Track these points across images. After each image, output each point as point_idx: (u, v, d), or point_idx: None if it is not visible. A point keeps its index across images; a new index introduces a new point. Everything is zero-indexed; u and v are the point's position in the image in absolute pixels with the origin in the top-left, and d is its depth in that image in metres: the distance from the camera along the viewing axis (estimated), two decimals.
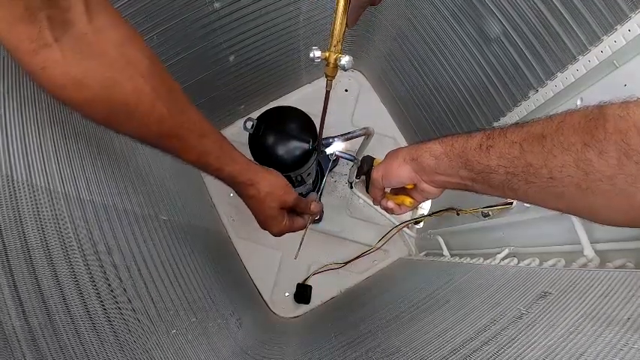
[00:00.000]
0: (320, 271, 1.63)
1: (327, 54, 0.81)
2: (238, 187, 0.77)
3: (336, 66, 0.82)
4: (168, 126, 0.60)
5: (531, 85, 0.94)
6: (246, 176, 0.75)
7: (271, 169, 0.82)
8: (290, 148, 1.10)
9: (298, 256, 1.55)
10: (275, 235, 0.86)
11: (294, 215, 0.89)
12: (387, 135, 1.75)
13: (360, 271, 1.65)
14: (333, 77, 0.85)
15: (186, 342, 0.82)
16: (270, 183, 0.79)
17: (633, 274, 0.52)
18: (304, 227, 0.92)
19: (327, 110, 0.92)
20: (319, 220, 1.67)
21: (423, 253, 1.52)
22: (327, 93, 0.89)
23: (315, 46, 0.80)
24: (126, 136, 0.61)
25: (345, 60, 0.80)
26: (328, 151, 0.97)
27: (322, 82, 1.82)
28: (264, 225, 0.84)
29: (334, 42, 0.79)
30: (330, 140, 1.13)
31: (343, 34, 0.79)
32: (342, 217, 1.70)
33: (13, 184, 0.55)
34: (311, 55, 0.81)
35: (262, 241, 1.66)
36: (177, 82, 0.62)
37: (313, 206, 0.91)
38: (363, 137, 1.27)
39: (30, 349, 0.48)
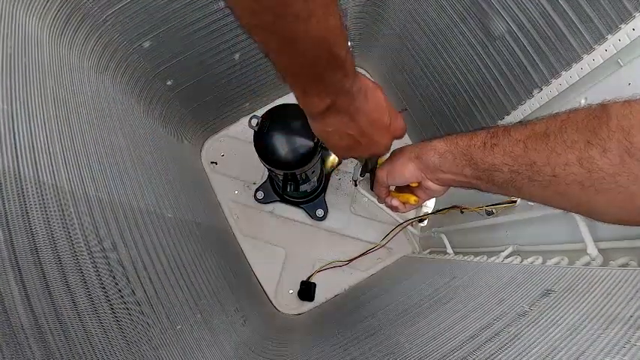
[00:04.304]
0: (324, 268, 1.63)
1: None
2: (353, 83, 0.58)
3: None
4: None
5: (536, 83, 0.94)
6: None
7: None
8: (295, 145, 1.10)
9: (302, 253, 1.56)
10: (404, 131, 0.73)
11: None
12: None
13: (364, 269, 1.65)
14: None
15: (191, 338, 0.82)
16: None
17: (636, 272, 0.52)
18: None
19: None
20: (324, 217, 1.67)
21: (427, 251, 1.52)
22: None
23: None
24: None
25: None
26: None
27: None
28: (390, 119, 0.68)
29: None
30: None
31: None
32: (346, 215, 1.70)
33: (21, 180, 0.55)
34: None
35: (266, 238, 1.66)
36: None
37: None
38: None
39: (38, 344, 0.48)
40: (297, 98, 0.58)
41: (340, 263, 1.64)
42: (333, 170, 1.68)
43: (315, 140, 1.10)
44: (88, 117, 0.83)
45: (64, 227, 0.60)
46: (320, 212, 1.67)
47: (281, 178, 1.29)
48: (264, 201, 1.68)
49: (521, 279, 0.70)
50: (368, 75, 1.82)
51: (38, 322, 0.50)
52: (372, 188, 0.84)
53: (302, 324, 1.46)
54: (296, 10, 0.40)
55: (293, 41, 0.45)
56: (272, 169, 1.16)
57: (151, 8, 1.02)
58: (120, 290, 0.68)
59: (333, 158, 1.06)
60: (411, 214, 1.59)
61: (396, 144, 0.77)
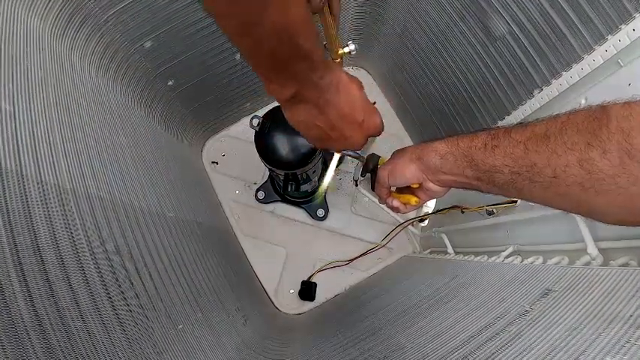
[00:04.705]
0: (325, 268, 1.63)
1: (335, 58, 0.81)
2: (324, 77, 0.59)
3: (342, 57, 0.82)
4: None
5: (536, 83, 0.95)
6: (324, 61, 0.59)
7: None
8: (296, 145, 1.11)
9: (303, 253, 1.55)
10: (380, 129, 0.73)
11: None
12: (392, 133, 1.76)
13: (365, 269, 1.66)
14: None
15: (192, 337, 0.82)
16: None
17: (636, 272, 0.52)
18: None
19: None
20: (324, 217, 1.67)
21: (428, 250, 1.52)
22: None
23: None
24: None
25: (351, 48, 0.80)
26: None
27: None
28: (364, 116, 0.69)
29: (334, 48, 0.79)
30: None
31: (337, 30, 0.77)
32: (347, 215, 1.71)
33: (23, 179, 0.56)
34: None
35: (267, 238, 1.67)
36: None
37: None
38: None
39: (40, 343, 0.49)
40: (263, 84, 0.59)
41: (341, 263, 1.64)
42: (326, 193, 1.69)
43: None
44: (90, 117, 0.84)
45: (66, 227, 0.60)
46: (321, 212, 1.67)
47: (282, 178, 1.29)
48: (265, 201, 1.68)
49: (521, 278, 0.70)
50: (369, 74, 1.83)
51: (40, 321, 0.50)
52: (372, 189, 0.84)
53: (303, 324, 1.46)
54: None
55: (249, 28, 0.46)
56: (273, 169, 1.16)
57: (153, 8, 1.02)
58: (120, 286, 0.68)
59: (325, 183, 1.08)
60: (412, 214, 1.59)
61: (396, 145, 0.77)
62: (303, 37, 0.50)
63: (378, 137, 1.00)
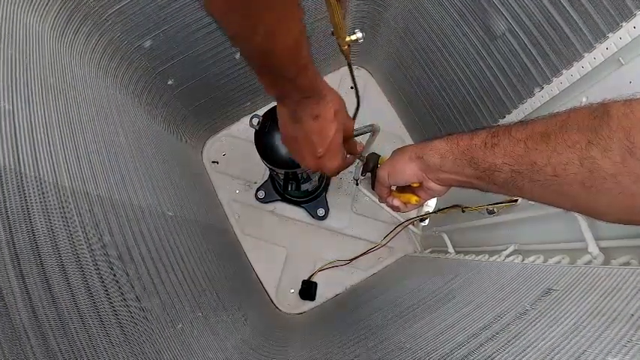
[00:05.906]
0: (325, 267, 1.63)
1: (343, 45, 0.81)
2: (307, 101, 0.65)
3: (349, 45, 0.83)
4: None
5: (537, 82, 0.94)
6: (320, 86, 0.65)
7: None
8: None
9: (303, 252, 1.55)
10: (332, 172, 0.79)
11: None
12: (393, 132, 1.75)
13: (365, 268, 1.65)
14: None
15: (191, 336, 0.82)
16: (337, 100, 0.70)
17: (638, 271, 0.52)
18: (349, 165, 0.85)
19: None
20: (325, 217, 1.67)
21: (428, 250, 1.52)
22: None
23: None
24: None
25: (358, 35, 0.81)
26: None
27: (327, 79, 1.82)
28: (324, 154, 0.74)
29: (342, 36, 0.79)
30: None
31: (344, 18, 0.78)
32: (347, 214, 1.71)
33: (21, 177, 0.55)
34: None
35: (267, 238, 1.67)
36: None
37: (359, 147, 0.86)
38: (368, 134, 1.27)
39: (38, 342, 0.48)
40: None
41: (341, 263, 1.64)
42: (326, 192, 1.70)
43: None
44: (89, 116, 0.83)
45: (64, 225, 0.60)
46: (321, 211, 1.67)
47: (282, 177, 1.29)
48: (265, 200, 1.68)
49: (522, 278, 0.70)
50: (370, 74, 1.82)
51: (39, 320, 0.50)
52: (373, 188, 0.84)
53: (303, 323, 1.46)
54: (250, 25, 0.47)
55: (240, 41, 0.52)
56: (273, 168, 1.16)
57: (153, 7, 1.02)
58: (120, 287, 0.68)
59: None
60: (413, 214, 1.59)
61: (397, 144, 0.77)
62: (288, 64, 0.55)
63: (378, 136, 1.00)
